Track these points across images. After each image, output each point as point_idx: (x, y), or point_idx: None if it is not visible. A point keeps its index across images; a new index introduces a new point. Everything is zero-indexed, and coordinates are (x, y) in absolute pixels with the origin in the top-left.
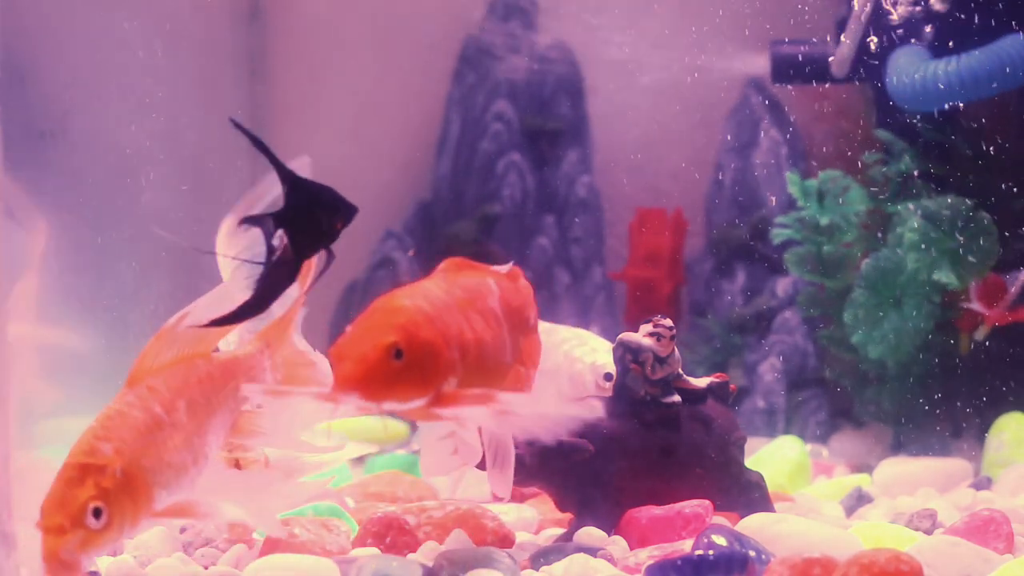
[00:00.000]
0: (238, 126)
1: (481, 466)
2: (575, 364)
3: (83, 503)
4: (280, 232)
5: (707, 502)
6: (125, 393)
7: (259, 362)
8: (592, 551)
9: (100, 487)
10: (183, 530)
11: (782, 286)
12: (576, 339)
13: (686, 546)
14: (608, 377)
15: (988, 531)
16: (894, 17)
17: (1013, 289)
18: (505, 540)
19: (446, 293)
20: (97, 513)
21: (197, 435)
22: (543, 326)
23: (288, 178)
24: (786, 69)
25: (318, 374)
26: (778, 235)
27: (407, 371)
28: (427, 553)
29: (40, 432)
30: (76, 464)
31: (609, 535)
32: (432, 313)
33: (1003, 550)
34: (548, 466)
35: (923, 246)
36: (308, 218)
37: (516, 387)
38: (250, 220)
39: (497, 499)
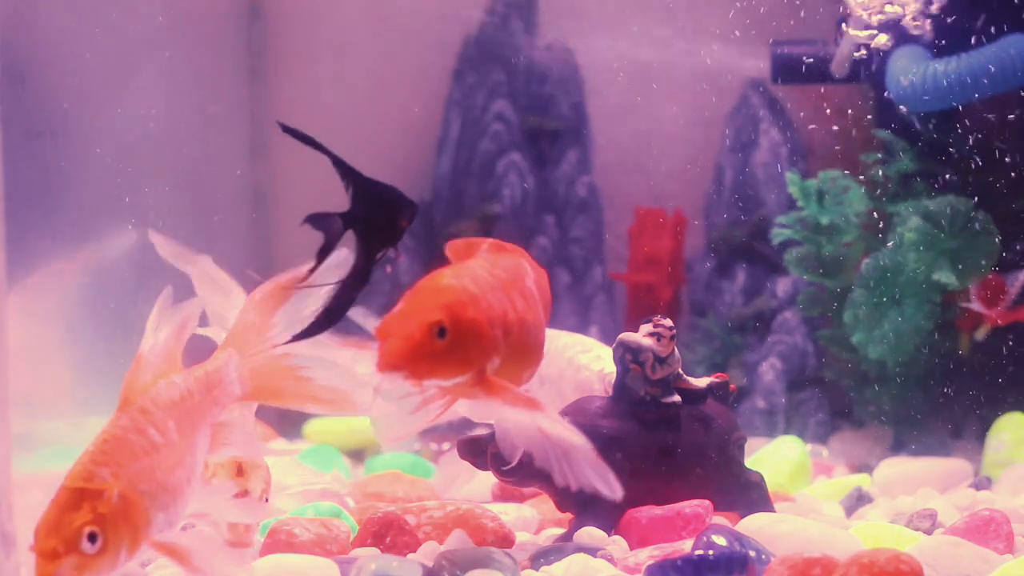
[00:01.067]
0: (294, 132)
1: (478, 465)
2: (581, 372)
3: (78, 528)
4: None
5: (707, 502)
6: (119, 417)
7: (227, 374)
8: (592, 551)
9: (96, 512)
10: (183, 528)
11: (782, 286)
12: (579, 345)
13: (686, 546)
14: None
15: (988, 531)
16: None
17: (1013, 289)
18: (505, 540)
19: (490, 274)
20: (92, 538)
21: (189, 453)
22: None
23: (353, 177)
24: (786, 69)
25: (303, 381)
26: (778, 235)
27: (450, 350)
28: (427, 553)
29: (40, 432)
30: (72, 489)
31: (609, 535)
32: (476, 293)
33: (1003, 550)
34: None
35: (923, 246)
36: (375, 218)
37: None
38: (316, 220)
39: (503, 477)
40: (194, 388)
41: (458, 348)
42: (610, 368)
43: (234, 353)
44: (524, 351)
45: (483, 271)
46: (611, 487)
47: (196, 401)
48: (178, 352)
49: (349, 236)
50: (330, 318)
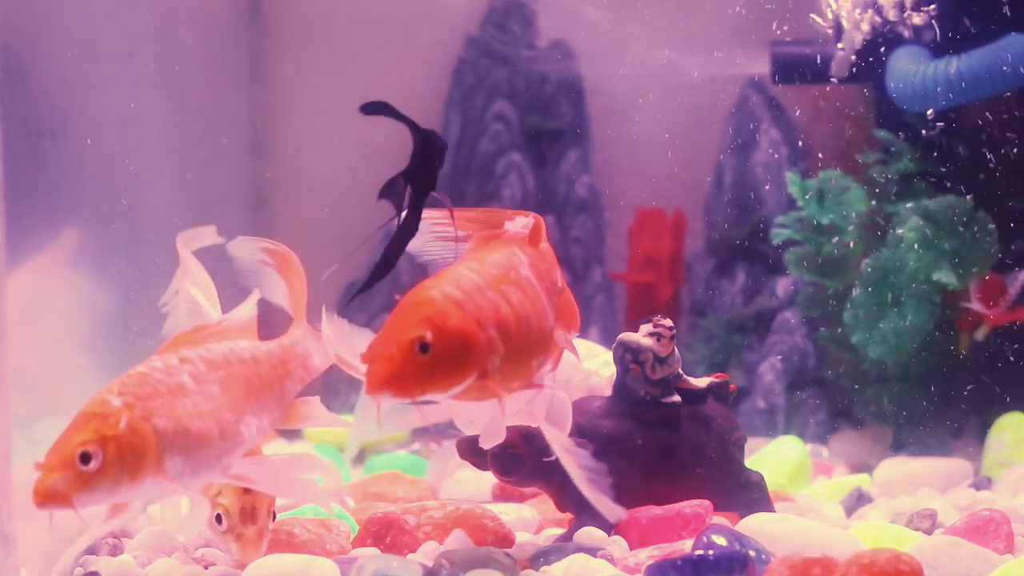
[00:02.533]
0: (371, 108)
1: (478, 465)
2: (591, 377)
3: (75, 445)
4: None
5: (707, 502)
6: (152, 359)
7: (304, 348)
8: (592, 551)
9: (98, 433)
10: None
11: (782, 286)
12: (586, 350)
13: (686, 546)
14: None
15: (988, 531)
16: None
17: (1013, 289)
18: (505, 540)
19: (478, 273)
20: (86, 457)
21: (230, 410)
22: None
23: (420, 133)
24: (786, 69)
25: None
26: (778, 235)
27: (435, 363)
28: (427, 553)
29: (41, 432)
30: (83, 413)
31: (609, 535)
32: (462, 298)
33: (1003, 550)
34: (548, 466)
35: (923, 246)
36: (426, 167)
37: (559, 350)
38: (387, 188)
39: (503, 477)
40: (262, 357)
41: (445, 359)
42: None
43: (309, 328)
44: (526, 343)
45: (469, 271)
46: (608, 510)
47: (261, 369)
48: (252, 323)
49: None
50: (383, 270)
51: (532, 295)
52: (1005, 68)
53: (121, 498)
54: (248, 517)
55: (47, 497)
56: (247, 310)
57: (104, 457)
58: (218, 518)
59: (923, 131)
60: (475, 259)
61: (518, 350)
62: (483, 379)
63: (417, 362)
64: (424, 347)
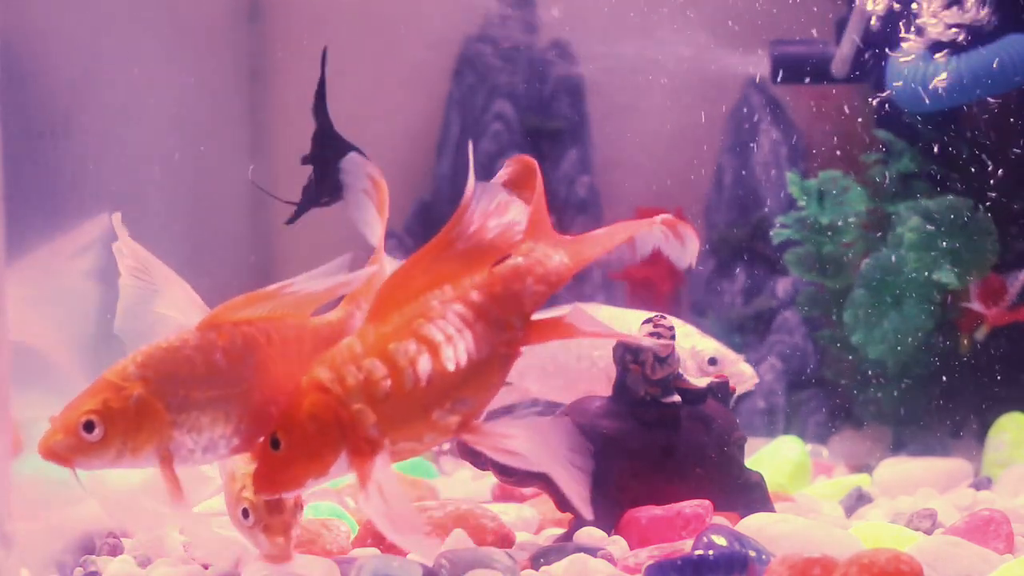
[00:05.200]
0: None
1: (477, 465)
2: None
3: (81, 413)
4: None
5: (707, 502)
6: (189, 331)
7: (351, 327)
8: (592, 551)
9: (106, 404)
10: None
11: (782, 286)
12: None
13: (686, 546)
14: (712, 362)
15: (988, 531)
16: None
17: (1013, 289)
18: (505, 540)
19: (360, 337)
20: (89, 426)
21: (260, 392)
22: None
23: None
24: (786, 69)
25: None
26: (778, 235)
27: (288, 457)
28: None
29: (39, 432)
30: (101, 379)
31: (609, 535)
32: (327, 377)
33: (1003, 550)
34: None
35: (923, 246)
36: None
37: (567, 332)
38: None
39: (502, 477)
40: (307, 337)
41: (297, 450)
42: (701, 344)
43: (360, 306)
44: (426, 398)
45: (351, 343)
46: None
47: (304, 349)
48: (312, 304)
49: None
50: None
51: (461, 338)
52: (1005, 68)
53: (121, 467)
54: (274, 508)
55: (49, 455)
56: (322, 284)
57: (107, 430)
58: (244, 512)
59: (922, 130)
60: (376, 316)
61: (408, 410)
62: (358, 454)
63: (273, 460)
64: (275, 443)
